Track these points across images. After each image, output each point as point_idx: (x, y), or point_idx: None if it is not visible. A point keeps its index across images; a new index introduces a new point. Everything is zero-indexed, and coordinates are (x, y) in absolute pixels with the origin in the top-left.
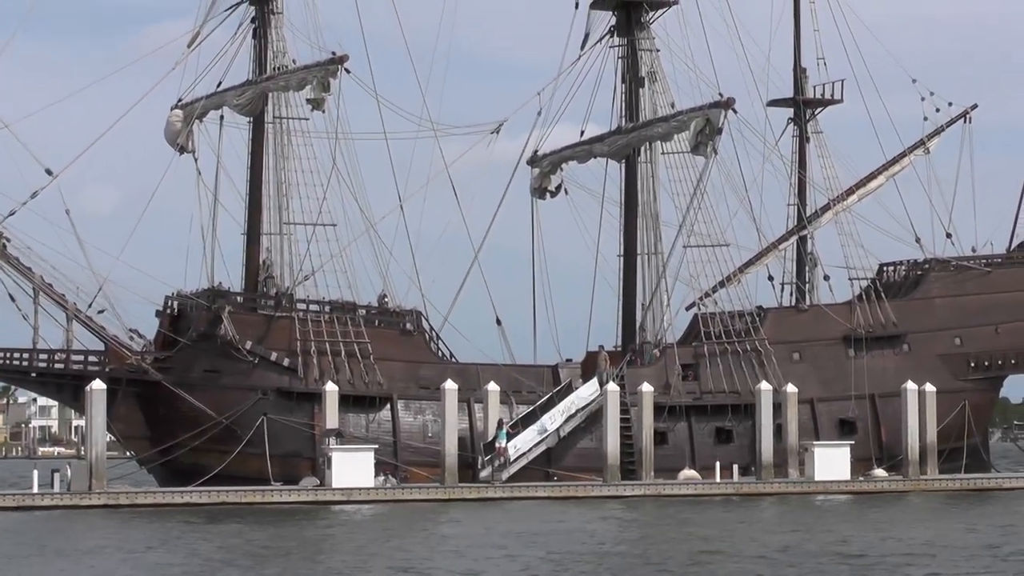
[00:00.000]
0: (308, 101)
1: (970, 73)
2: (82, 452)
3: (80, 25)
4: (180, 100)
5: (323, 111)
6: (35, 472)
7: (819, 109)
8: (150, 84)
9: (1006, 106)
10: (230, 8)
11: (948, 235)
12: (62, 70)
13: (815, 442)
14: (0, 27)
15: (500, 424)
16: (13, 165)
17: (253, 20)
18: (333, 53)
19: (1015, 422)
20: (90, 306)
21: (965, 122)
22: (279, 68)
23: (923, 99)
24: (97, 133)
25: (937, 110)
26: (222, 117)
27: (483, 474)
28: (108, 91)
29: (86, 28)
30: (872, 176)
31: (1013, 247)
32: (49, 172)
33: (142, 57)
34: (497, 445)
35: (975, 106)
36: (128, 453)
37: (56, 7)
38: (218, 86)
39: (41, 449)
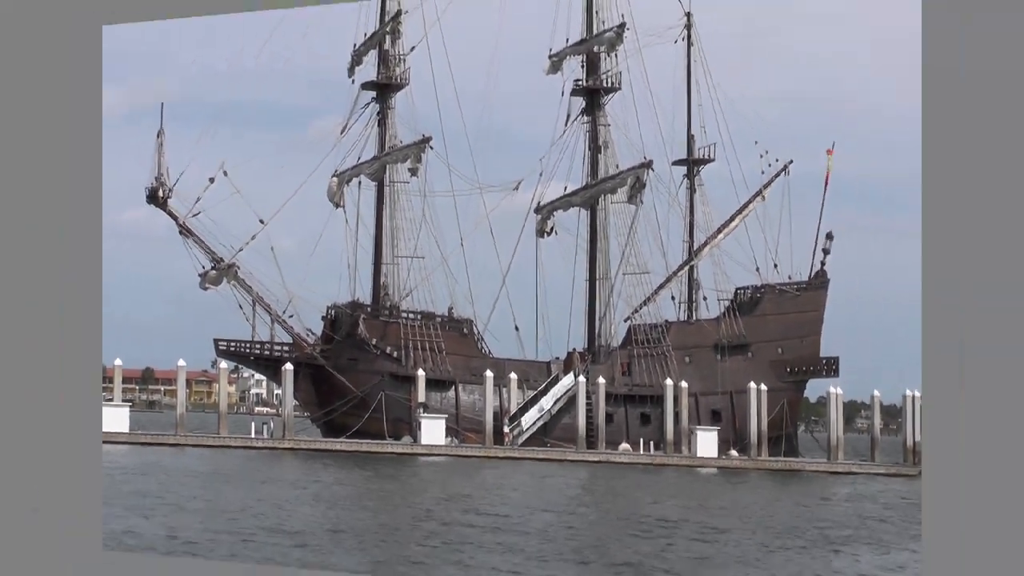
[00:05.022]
0: (408, 169)
1: (799, 135)
2: (279, 412)
3: (269, 121)
4: (336, 170)
5: (417, 176)
6: (252, 425)
7: (702, 167)
8: (317, 161)
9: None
10: (365, 106)
11: (775, 265)
12: (262, 150)
13: (698, 426)
14: (233, 123)
15: (507, 416)
16: (240, 217)
17: (378, 114)
18: (423, 135)
19: (812, 418)
20: (284, 312)
21: (785, 174)
22: (392, 146)
23: (761, 156)
24: (286, 195)
25: (769, 165)
26: (360, 182)
27: (506, 442)
28: (291, 165)
29: (274, 123)
30: (732, 219)
31: (812, 275)
32: (262, 221)
33: (315, 142)
34: (505, 431)
35: (791, 161)
36: (305, 414)
37: (261, 111)
38: (358, 159)
39: (256, 409)
